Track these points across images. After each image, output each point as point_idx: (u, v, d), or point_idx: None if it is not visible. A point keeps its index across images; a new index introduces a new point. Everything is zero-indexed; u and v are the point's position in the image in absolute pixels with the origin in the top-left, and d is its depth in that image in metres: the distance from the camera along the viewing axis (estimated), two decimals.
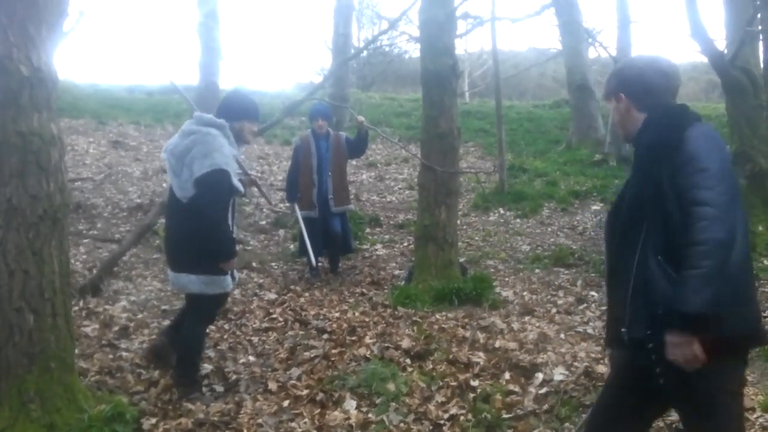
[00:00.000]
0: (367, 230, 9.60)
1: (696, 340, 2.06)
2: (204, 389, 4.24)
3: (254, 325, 5.55)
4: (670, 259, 2.13)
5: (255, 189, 5.11)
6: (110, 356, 4.75)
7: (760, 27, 6.88)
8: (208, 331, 5.15)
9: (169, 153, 4.11)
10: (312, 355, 4.74)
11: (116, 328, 5.34)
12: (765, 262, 6.73)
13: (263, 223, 9.83)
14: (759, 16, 7.51)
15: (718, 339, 2.08)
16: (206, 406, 3.92)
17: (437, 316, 5.56)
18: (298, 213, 7.19)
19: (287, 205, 8.25)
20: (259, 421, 3.76)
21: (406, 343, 4.82)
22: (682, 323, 2.05)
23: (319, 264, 7.41)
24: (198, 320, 4.28)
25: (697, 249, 2.04)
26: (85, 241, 8.13)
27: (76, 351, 4.22)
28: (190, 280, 4.08)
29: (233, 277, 4.41)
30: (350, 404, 3.94)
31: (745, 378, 2.30)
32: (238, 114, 4.22)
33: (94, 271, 6.67)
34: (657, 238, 2.18)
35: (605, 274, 2.52)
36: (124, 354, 4.78)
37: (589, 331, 5.32)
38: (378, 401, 3.96)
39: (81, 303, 5.84)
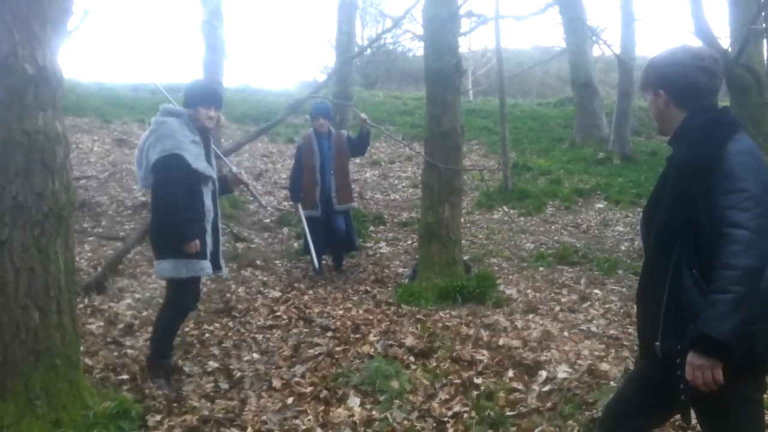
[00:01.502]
0: (371, 228, 9.61)
1: (719, 366, 2.03)
2: (208, 385, 4.25)
3: (258, 323, 5.57)
4: (705, 274, 2.10)
5: (244, 187, 5.10)
6: (115, 353, 4.77)
7: (764, 25, 6.86)
8: (212, 328, 5.18)
9: (137, 148, 4.32)
10: (316, 353, 4.76)
11: (121, 326, 5.35)
12: None
13: (267, 221, 9.85)
14: (763, 14, 7.50)
15: (744, 359, 2.06)
16: (211, 403, 3.94)
17: (441, 314, 5.57)
18: (302, 213, 7.22)
19: (290, 203, 8.27)
20: (264, 418, 3.77)
21: (409, 341, 4.84)
22: (707, 347, 2.02)
23: (323, 262, 7.43)
24: (170, 307, 4.35)
25: (727, 273, 2.00)
26: (90, 238, 8.16)
27: (82, 348, 4.23)
28: (162, 264, 4.21)
29: (219, 267, 4.50)
30: (354, 401, 3.95)
31: (765, 384, 2.26)
32: (193, 101, 4.34)
33: (99, 269, 6.70)
34: (691, 252, 2.13)
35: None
36: (129, 351, 4.80)
37: (593, 329, 5.32)
38: (382, 398, 3.97)
39: (86, 300, 5.87)
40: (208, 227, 4.28)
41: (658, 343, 2.19)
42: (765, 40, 8.24)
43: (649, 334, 2.25)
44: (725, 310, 1.99)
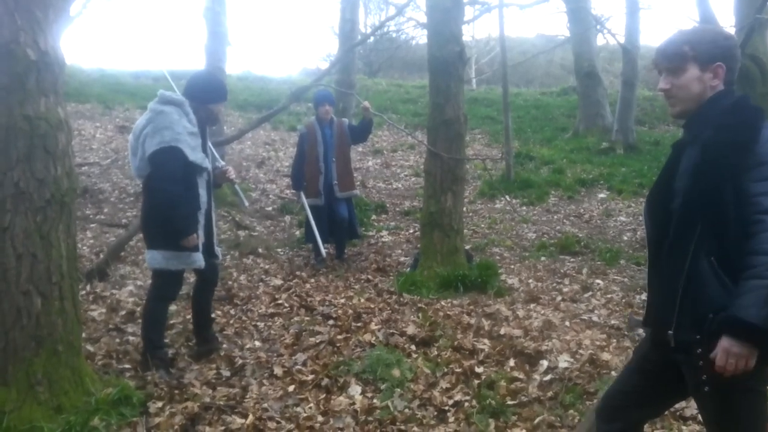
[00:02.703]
0: (373, 217, 9.61)
1: (755, 354, 2.00)
2: (210, 373, 4.26)
3: (260, 311, 5.57)
4: (723, 263, 2.06)
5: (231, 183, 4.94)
6: (117, 340, 4.78)
7: None
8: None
9: (132, 133, 4.24)
10: (317, 341, 4.76)
11: (123, 313, 5.36)
12: None
13: (269, 209, 9.85)
14: None
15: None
16: (212, 390, 3.95)
17: (442, 303, 5.57)
18: (305, 201, 7.21)
19: (293, 192, 8.26)
20: (265, 405, 3.78)
21: (411, 330, 4.84)
22: (746, 334, 1.98)
23: (325, 250, 7.43)
24: (156, 296, 4.33)
25: (765, 259, 1.97)
26: (92, 225, 8.17)
27: (83, 335, 4.25)
28: (153, 255, 4.19)
29: (216, 255, 4.54)
30: (355, 390, 3.96)
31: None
32: (205, 97, 4.31)
33: (101, 256, 6.71)
34: (712, 239, 2.08)
35: (648, 262, 2.38)
36: (131, 338, 4.81)
37: (594, 319, 5.32)
38: (383, 387, 3.98)
39: (88, 287, 5.88)
40: (201, 219, 4.27)
41: (671, 332, 2.15)
42: None
43: (662, 321, 2.22)
44: (764, 296, 1.96)
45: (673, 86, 2.24)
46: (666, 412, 3.35)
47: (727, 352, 2.01)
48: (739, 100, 2.19)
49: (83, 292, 5.65)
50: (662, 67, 2.27)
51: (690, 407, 3.53)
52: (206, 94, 4.33)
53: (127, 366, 4.31)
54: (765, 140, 2.06)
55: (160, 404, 3.71)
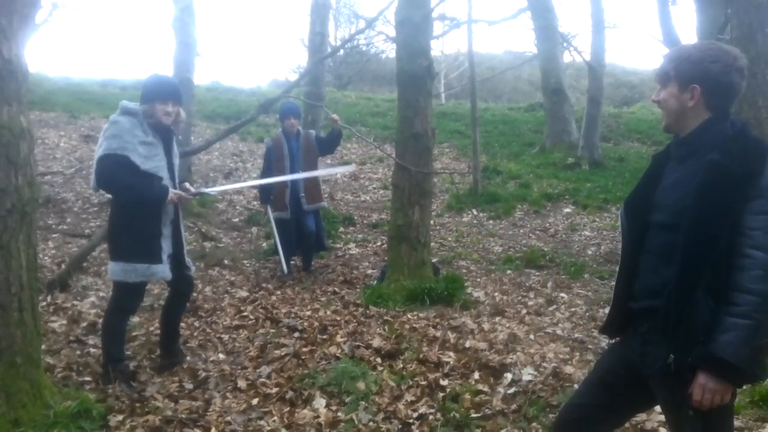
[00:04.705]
0: (341, 229, 9.61)
1: (731, 391, 2.02)
2: (173, 386, 4.21)
3: (225, 323, 5.52)
4: (711, 289, 2.04)
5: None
6: (78, 352, 4.70)
7: (729, 36, 7.00)
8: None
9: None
10: (282, 354, 4.73)
11: (84, 324, 5.28)
12: None
13: (236, 220, 9.79)
14: (729, 24, 7.65)
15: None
16: (174, 403, 3.90)
17: (409, 316, 5.58)
18: (271, 215, 7.20)
19: (260, 204, 8.23)
20: (228, 418, 3.75)
21: (377, 342, 4.84)
22: (723, 372, 1.99)
23: (292, 262, 7.41)
24: (116, 308, 4.28)
25: (749, 298, 1.97)
26: (55, 235, 8.04)
27: (43, 347, 4.17)
28: (112, 267, 4.17)
29: (187, 266, 4.50)
30: (320, 403, 3.94)
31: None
32: (149, 96, 4.24)
33: (63, 266, 6.60)
34: (707, 264, 2.04)
35: (619, 273, 2.38)
36: (92, 350, 4.73)
37: (558, 332, 5.38)
38: (348, 400, 3.96)
39: (49, 298, 5.78)
40: (165, 231, 4.23)
41: (672, 356, 2.09)
42: None
43: (651, 345, 2.20)
44: (745, 336, 1.96)
45: (660, 100, 2.28)
46: (627, 424, 3.40)
47: (703, 388, 2.03)
48: (743, 128, 2.16)
49: (44, 303, 5.55)
50: (656, 80, 2.33)
51: (651, 420, 3.58)
52: (152, 93, 4.24)
53: (88, 378, 4.24)
54: (767, 173, 2.04)
55: (120, 417, 3.66)
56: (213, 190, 5.09)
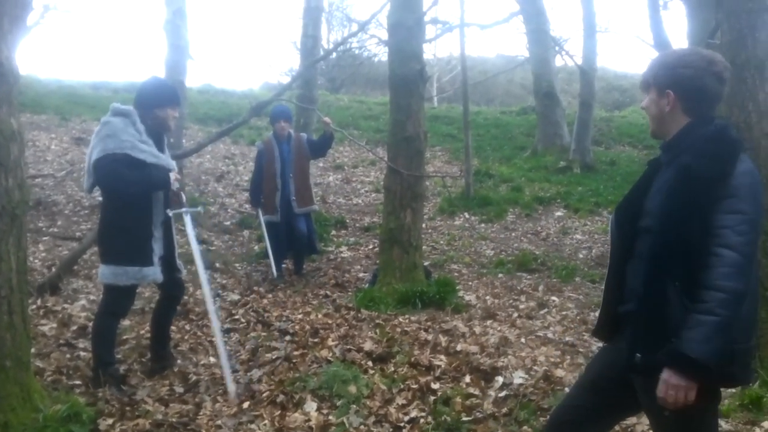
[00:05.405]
0: (333, 232, 9.60)
1: (695, 387, 2.02)
2: (163, 389, 4.19)
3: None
4: (685, 287, 2.06)
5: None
6: (68, 356, 4.68)
7: (719, 40, 7.04)
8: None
9: (87, 153, 4.20)
10: (273, 357, 4.73)
11: (74, 328, 5.25)
12: None
13: (228, 223, 9.77)
14: (720, 29, 7.69)
15: (720, 378, 2.08)
16: (165, 407, 3.89)
17: (400, 319, 5.58)
18: (261, 218, 7.20)
19: (251, 207, 8.23)
20: (219, 422, 3.73)
21: (368, 346, 4.83)
22: (686, 368, 2.01)
23: (283, 266, 7.40)
24: (106, 311, 4.26)
25: (715, 295, 1.99)
26: (45, 238, 8.00)
27: (33, 350, 4.15)
28: (103, 270, 4.16)
29: (178, 269, 4.49)
30: (311, 406, 3.93)
31: (720, 392, 2.26)
32: (154, 101, 4.22)
33: (53, 269, 6.57)
34: (677, 263, 2.07)
35: (607, 278, 2.41)
36: (82, 354, 4.71)
37: (549, 335, 5.39)
38: (339, 403, 3.95)
39: (39, 301, 5.75)
40: (156, 233, 4.21)
41: (639, 354, 2.13)
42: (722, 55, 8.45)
43: (627, 342, 2.21)
44: (709, 332, 1.98)
45: (644, 106, 2.34)
46: (617, 427, 3.41)
47: (666, 383, 2.04)
48: (720, 130, 2.19)
49: (34, 307, 5.52)
50: (639, 87, 2.38)
51: (641, 423, 3.59)
52: (151, 98, 4.23)
53: (78, 382, 4.22)
54: (739, 173, 2.07)
55: (110, 421, 3.64)
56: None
